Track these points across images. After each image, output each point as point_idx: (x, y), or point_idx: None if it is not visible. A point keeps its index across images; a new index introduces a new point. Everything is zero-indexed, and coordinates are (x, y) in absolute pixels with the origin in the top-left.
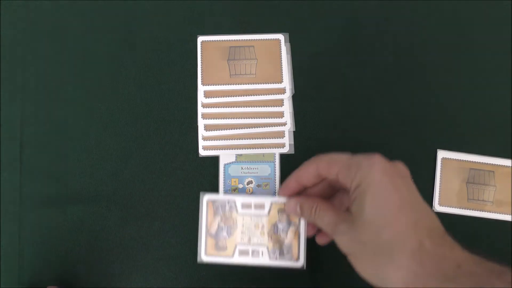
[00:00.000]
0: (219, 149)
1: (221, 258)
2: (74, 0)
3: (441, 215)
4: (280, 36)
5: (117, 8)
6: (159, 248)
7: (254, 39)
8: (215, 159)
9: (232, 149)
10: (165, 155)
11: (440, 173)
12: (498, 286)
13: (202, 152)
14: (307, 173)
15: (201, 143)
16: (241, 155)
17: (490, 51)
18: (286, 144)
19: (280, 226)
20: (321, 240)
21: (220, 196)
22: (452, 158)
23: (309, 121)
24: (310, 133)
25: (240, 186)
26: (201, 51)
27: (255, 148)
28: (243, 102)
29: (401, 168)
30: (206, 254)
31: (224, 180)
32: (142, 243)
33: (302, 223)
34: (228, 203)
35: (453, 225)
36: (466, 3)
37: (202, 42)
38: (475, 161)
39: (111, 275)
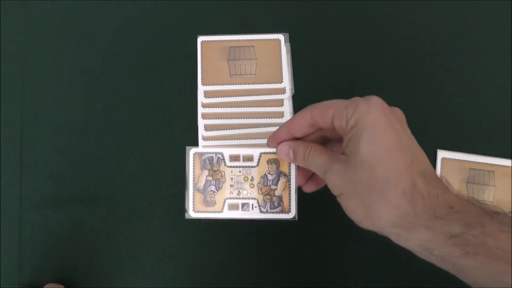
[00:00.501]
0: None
1: (210, 213)
2: (74, 0)
3: None
4: (280, 36)
5: (117, 8)
6: (159, 248)
7: (254, 39)
8: None
9: None
10: (165, 155)
11: (440, 173)
12: (490, 225)
13: None
14: (300, 122)
15: (201, 143)
16: None
17: (490, 51)
18: None
19: (270, 177)
20: (308, 188)
21: (208, 149)
22: (452, 158)
23: None
24: None
25: None
26: (201, 51)
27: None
28: (243, 102)
29: (398, 112)
30: (194, 210)
31: None
32: (142, 243)
33: (293, 173)
34: (215, 155)
35: None
36: (466, 3)
37: (202, 42)
38: (475, 161)
39: (111, 275)
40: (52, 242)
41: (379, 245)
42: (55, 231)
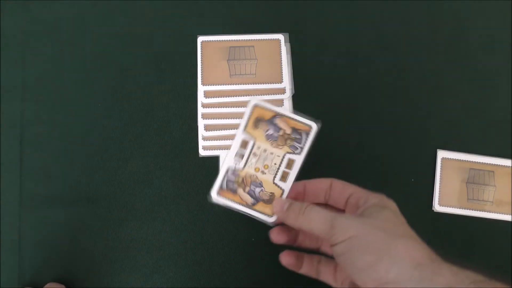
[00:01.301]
0: (219, 149)
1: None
2: (74, 0)
3: (441, 215)
4: (280, 36)
5: (117, 8)
6: (159, 248)
7: (254, 39)
8: (215, 159)
9: None
10: (165, 155)
11: (440, 173)
12: (500, 285)
13: (202, 152)
14: (319, 183)
15: (201, 143)
16: None
17: (490, 51)
18: None
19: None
20: (278, 237)
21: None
22: (452, 158)
23: None
24: None
25: None
26: (201, 51)
27: None
28: (243, 102)
29: None
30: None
31: None
32: (142, 243)
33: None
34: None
35: (453, 225)
36: (466, 3)
37: (202, 42)
38: (475, 161)
39: (111, 275)
40: (52, 242)
41: None
42: (55, 231)
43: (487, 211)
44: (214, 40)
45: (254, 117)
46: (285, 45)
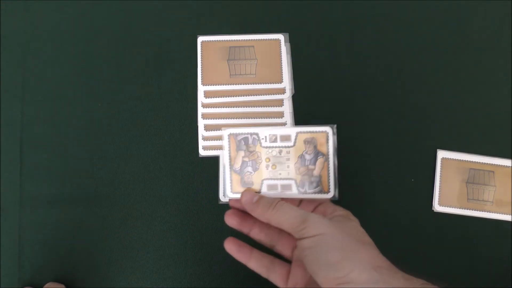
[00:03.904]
0: (219, 149)
1: None
2: (74, 0)
3: (441, 215)
4: (280, 36)
5: (117, 8)
6: (159, 248)
7: (254, 39)
8: (215, 159)
9: None
10: (165, 155)
11: (440, 173)
12: None
13: (202, 152)
14: (291, 202)
15: (201, 143)
16: None
17: (490, 51)
18: None
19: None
20: (230, 220)
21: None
22: (452, 158)
23: (309, 121)
24: None
25: None
26: (201, 51)
27: None
28: (243, 102)
29: None
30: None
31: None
32: (142, 243)
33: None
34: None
35: (453, 225)
36: (466, 3)
37: (202, 42)
38: (475, 161)
39: (111, 275)
40: (52, 242)
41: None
42: (55, 231)
43: (487, 211)
44: (214, 40)
45: (315, 136)
46: (285, 45)
